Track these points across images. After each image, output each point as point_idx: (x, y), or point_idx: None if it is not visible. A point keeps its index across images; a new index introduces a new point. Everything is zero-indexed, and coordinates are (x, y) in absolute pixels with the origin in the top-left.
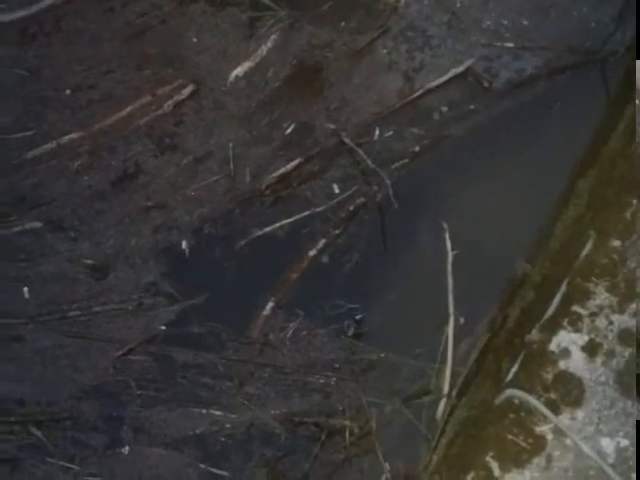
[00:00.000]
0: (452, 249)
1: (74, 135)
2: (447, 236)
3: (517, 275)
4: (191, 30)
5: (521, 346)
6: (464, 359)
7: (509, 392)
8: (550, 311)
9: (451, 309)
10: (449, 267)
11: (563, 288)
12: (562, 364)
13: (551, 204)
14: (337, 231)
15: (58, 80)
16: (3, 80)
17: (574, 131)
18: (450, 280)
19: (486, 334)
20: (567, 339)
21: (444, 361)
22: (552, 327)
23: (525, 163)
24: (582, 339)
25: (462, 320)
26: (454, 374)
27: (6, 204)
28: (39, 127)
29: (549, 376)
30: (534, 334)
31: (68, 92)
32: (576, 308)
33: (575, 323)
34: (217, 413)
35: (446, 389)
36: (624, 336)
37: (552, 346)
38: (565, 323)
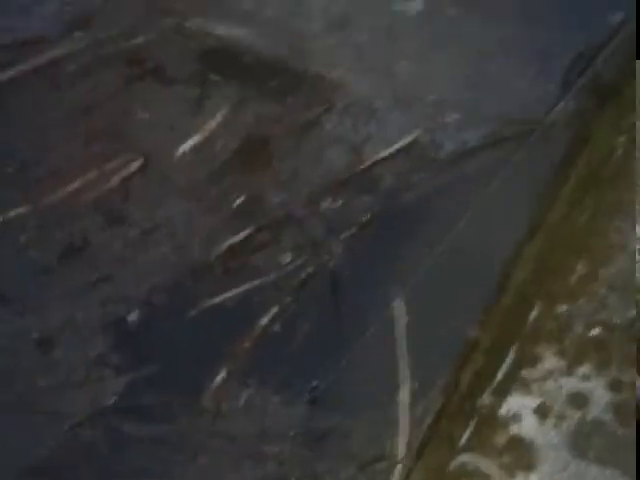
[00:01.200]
0: (404, 315)
1: (21, 210)
2: (398, 302)
3: (468, 340)
4: (139, 106)
5: (473, 411)
6: (418, 424)
7: (462, 457)
8: (500, 376)
9: (404, 374)
10: (402, 333)
11: (512, 353)
12: (514, 428)
13: (498, 270)
14: (289, 299)
15: (3, 157)
16: None
17: (519, 199)
18: (403, 345)
19: (439, 398)
20: (518, 403)
21: (398, 427)
22: (502, 392)
23: (472, 230)
24: (533, 403)
25: (416, 385)
26: (409, 439)
27: None
28: None
29: (501, 440)
30: (485, 398)
31: (14, 168)
32: (525, 373)
33: (525, 387)
34: None
35: (401, 454)
36: (574, 399)
37: (503, 410)
38: (515, 387)
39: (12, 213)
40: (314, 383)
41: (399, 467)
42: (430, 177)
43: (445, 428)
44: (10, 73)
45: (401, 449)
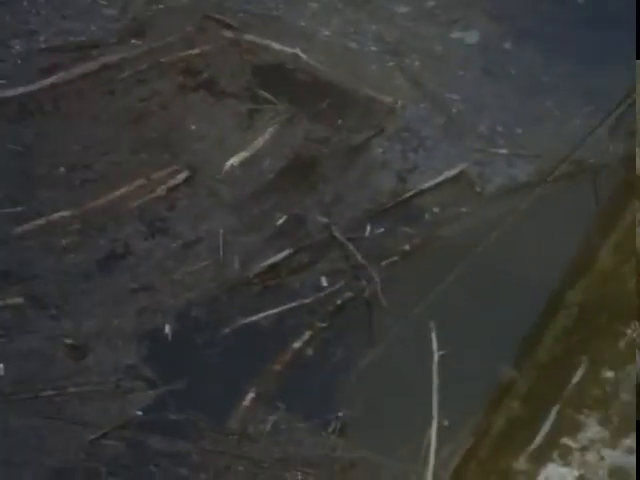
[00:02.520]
0: (438, 350)
1: (65, 213)
2: (434, 336)
3: (503, 381)
4: (190, 118)
5: (508, 473)
6: (446, 463)
7: None
8: (538, 440)
9: (435, 411)
10: (435, 367)
11: (552, 417)
12: None
13: (538, 312)
14: (323, 324)
15: (53, 158)
16: None
17: (563, 240)
18: (435, 381)
19: (469, 439)
20: (556, 473)
21: (426, 464)
22: (540, 458)
23: (513, 268)
24: (572, 474)
25: (446, 423)
26: (436, 478)
27: None
28: (29, 203)
29: None
30: (522, 463)
31: (62, 170)
32: (566, 440)
33: (565, 456)
34: None
35: None
36: (616, 473)
37: (540, 479)
38: (554, 455)
39: (56, 215)
40: (341, 413)
41: None
42: (475, 211)
43: (476, 477)
44: (63, 76)
45: None
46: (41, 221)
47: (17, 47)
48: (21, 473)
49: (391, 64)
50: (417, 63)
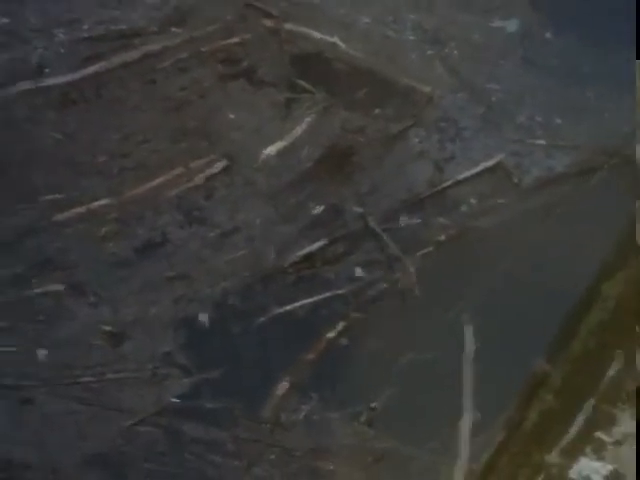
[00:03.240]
0: (472, 342)
1: (104, 201)
2: (468, 328)
3: (536, 374)
4: (229, 107)
5: (540, 465)
6: (478, 456)
7: None
8: (572, 433)
9: (468, 404)
10: (468, 360)
11: (587, 410)
12: None
13: (574, 304)
14: (357, 315)
15: (93, 146)
16: (39, 142)
17: (601, 233)
18: (468, 374)
19: (502, 433)
20: (589, 467)
21: (457, 457)
22: (574, 452)
23: (549, 260)
24: (605, 469)
25: (479, 415)
26: (467, 471)
27: (30, 266)
28: (70, 191)
29: None
30: (554, 456)
31: (102, 159)
32: (600, 434)
33: (598, 451)
34: None
35: None
36: None
37: (573, 473)
38: (588, 450)
39: (95, 204)
40: (373, 404)
41: None
42: (512, 202)
43: (507, 470)
44: (105, 65)
45: None
46: (81, 209)
47: (60, 36)
48: (59, 457)
49: (430, 53)
50: (456, 52)
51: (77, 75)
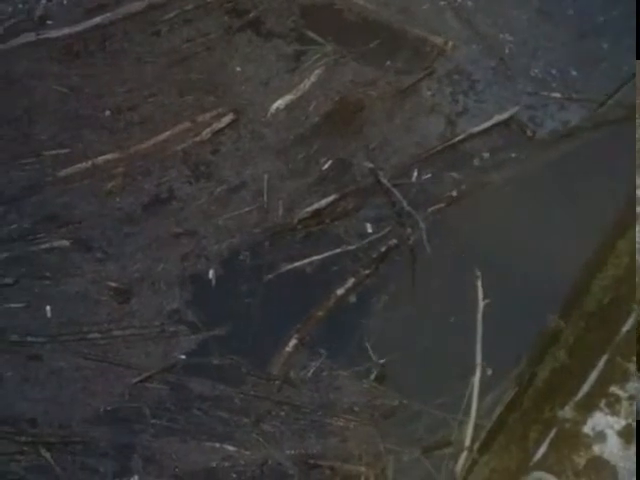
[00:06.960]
0: (484, 298)
1: (110, 156)
2: (479, 284)
3: (548, 331)
4: (236, 59)
5: (552, 421)
6: (488, 413)
7: (536, 475)
8: (586, 388)
9: (479, 359)
10: (479, 316)
11: (601, 365)
12: (596, 449)
13: (588, 260)
14: (367, 271)
15: (98, 100)
16: (43, 96)
17: (616, 187)
18: (480, 329)
19: (513, 389)
20: (603, 422)
21: (468, 413)
22: (588, 407)
23: (562, 215)
24: (619, 423)
25: (489, 371)
26: (477, 427)
27: (36, 221)
28: (75, 146)
29: (581, 460)
30: (567, 411)
31: (107, 113)
32: (614, 389)
33: (612, 405)
34: (231, 448)
35: (468, 442)
36: None
37: (587, 428)
38: (602, 404)
39: (101, 159)
40: (383, 360)
41: (464, 455)
42: (526, 156)
43: (517, 424)
44: (109, 17)
45: (468, 437)
46: (86, 164)
47: None
48: (69, 412)
49: (442, 3)
50: (469, 3)
51: (80, 27)
